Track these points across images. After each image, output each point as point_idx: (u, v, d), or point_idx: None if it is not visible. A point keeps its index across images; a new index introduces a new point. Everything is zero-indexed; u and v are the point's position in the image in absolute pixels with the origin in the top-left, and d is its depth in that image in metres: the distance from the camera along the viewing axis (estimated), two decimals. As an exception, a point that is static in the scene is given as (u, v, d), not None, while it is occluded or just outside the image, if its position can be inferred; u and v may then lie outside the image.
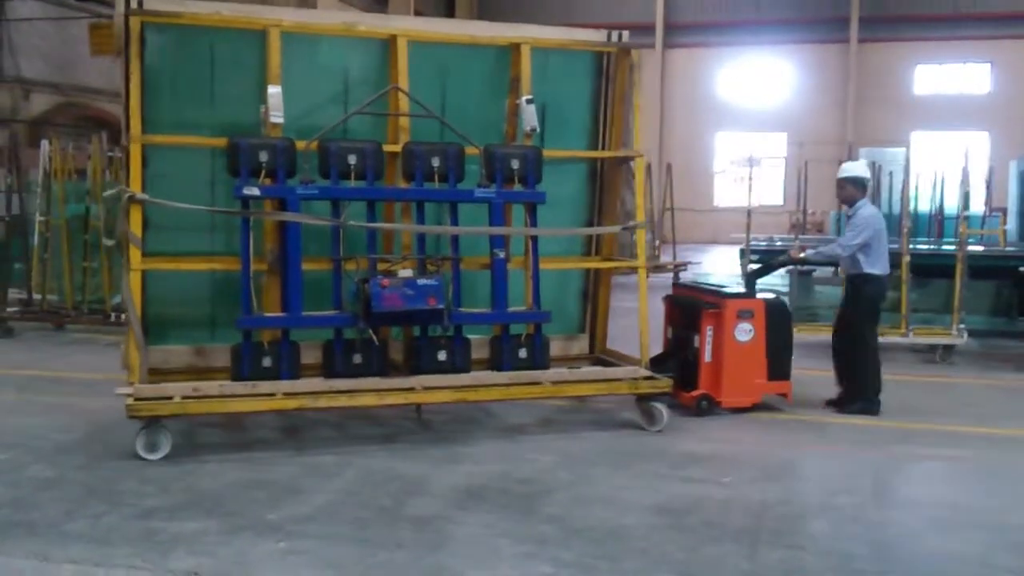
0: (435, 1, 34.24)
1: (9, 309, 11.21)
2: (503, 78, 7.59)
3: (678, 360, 7.96)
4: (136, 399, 6.04)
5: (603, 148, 8.04)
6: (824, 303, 11.87)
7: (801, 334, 9.34)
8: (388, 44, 7.19)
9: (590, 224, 8.18)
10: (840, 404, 7.90)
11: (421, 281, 6.60)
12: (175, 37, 6.84)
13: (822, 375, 8.32)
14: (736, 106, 34.75)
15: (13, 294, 11.75)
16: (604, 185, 8.13)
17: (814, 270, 12.22)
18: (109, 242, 6.69)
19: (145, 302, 6.92)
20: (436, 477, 5.82)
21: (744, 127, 34.63)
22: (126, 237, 6.36)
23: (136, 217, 6.35)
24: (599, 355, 8.27)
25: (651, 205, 19.92)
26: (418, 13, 30.15)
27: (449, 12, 35.07)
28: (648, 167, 20.03)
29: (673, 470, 6.12)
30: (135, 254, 6.34)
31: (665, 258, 20.42)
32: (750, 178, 9.66)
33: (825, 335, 8.77)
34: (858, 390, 7.90)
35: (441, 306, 6.61)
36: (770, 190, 33.04)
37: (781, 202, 31.54)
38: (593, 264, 8.10)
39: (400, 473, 5.88)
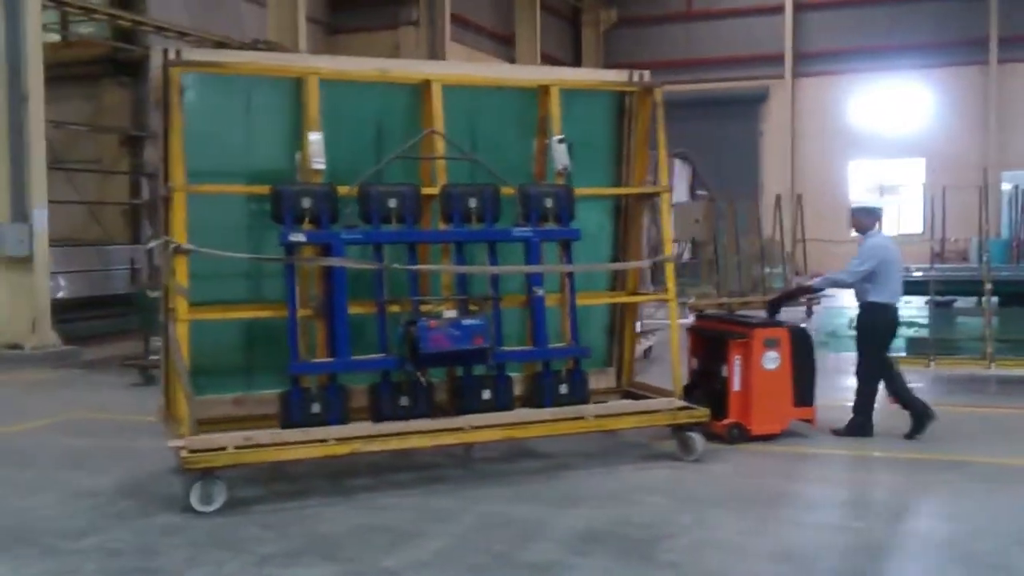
0: (561, 43, 34.19)
1: (151, 357, 10.94)
2: (529, 119, 7.69)
3: (705, 390, 8.07)
4: (190, 451, 6.00)
5: (625, 184, 8.16)
6: (966, 334, 11.35)
7: (940, 368, 9.43)
8: (418, 88, 7.27)
9: (615, 259, 8.28)
10: (846, 432, 8.03)
11: (466, 321, 6.65)
12: (210, 87, 6.85)
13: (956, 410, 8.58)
14: (870, 133, 32.92)
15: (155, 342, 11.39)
16: (627, 220, 8.24)
17: (955, 300, 11.96)
18: (154, 294, 6.62)
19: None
20: (553, 521, 5.78)
21: (879, 154, 32.85)
22: (170, 288, 6.34)
23: (182, 267, 6.33)
24: (626, 388, 8.35)
25: (779, 238, 19.83)
26: (545, 56, 30.72)
27: (576, 53, 35.25)
28: (778, 199, 19.97)
29: (795, 512, 6.05)
30: (182, 304, 6.31)
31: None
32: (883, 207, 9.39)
33: (968, 368, 8.98)
34: (855, 412, 8.05)
35: (487, 345, 6.66)
36: (909, 218, 31.07)
37: (920, 230, 28.78)
38: (629, 299, 8.19)
39: (516, 517, 5.87)
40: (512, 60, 30.13)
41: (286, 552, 5.24)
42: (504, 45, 30.27)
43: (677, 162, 22.48)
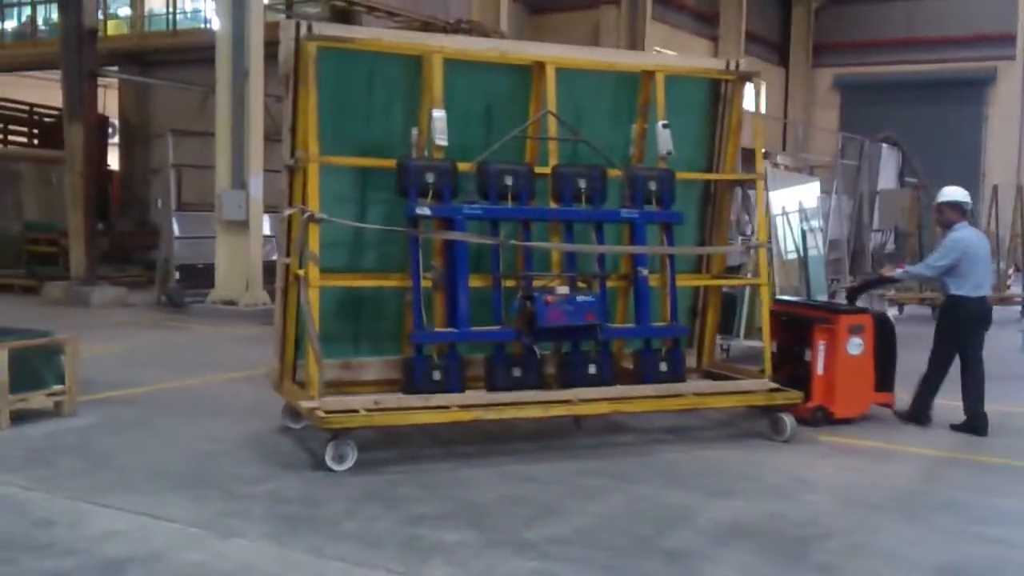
0: (769, 22, 33.55)
1: None
2: (625, 102, 7.91)
3: (786, 373, 8.32)
4: (326, 412, 6.25)
5: (716, 170, 8.39)
6: None
7: None
8: (527, 70, 7.48)
9: (701, 242, 8.52)
10: (911, 417, 8.22)
11: (580, 298, 6.91)
12: (334, 62, 7.04)
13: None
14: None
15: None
16: (716, 206, 8.48)
17: None
18: (286, 260, 6.85)
19: (297, 319, 7.14)
20: (703, 509, 5.71)
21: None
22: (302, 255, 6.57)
23: (315, 236, 6.56)
24: (707, 368, 8.61)
25: (997, 230, 18.93)
26: (749, 35, 30.35)
27: (784, 32, 34.73)
28: (995, 189, 19.42)
29: (971, 525, 5.58)
30: (314, 271, 6.54)
31: (1016, 288, 18.73)
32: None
33: None
34: (915, 399, 8.24)
35: (597, 322, 6.93)
36: None
37: None
38: (720, 282, 8.44)
39: (667, 502, 5.85)
40: (715, 39, 29.59)
41: (437, 514, 5.49)
42: (707, 24, 29.80)
43: (884, 147, 21.81)
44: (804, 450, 7.20)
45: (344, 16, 17.50)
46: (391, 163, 6.92)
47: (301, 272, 6.64)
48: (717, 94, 8.30)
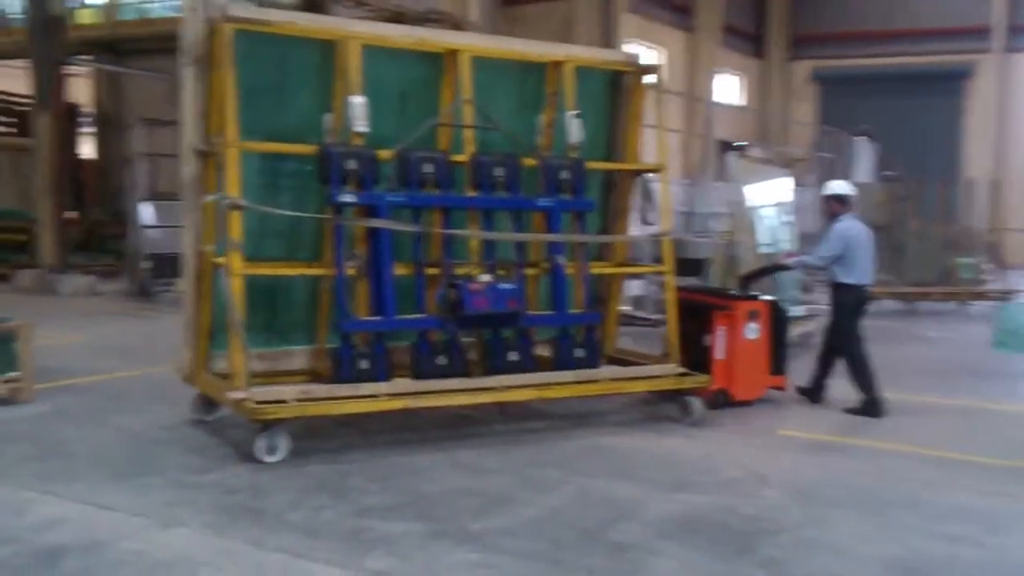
0: (744, 12, 32.73)
1: None
2: (533, 92, 8.01)
3: (687, 357, 8.60)
4: (256, 403, 6.09)
5: (616, 160, 8.59)
6: None
7: None
8: (438, 58, 7.47)
9: (604, 230, 8.70)
10: (808, 393, 8.72)
11: (502, 285, 6.98)
12: (246, 45, 6.85)
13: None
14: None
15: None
16: (618, 195, 8.68)
17: None
18: (198, 248, 6.62)
19: (212, 308, 6.93)
20: (654, 502, 5.65)
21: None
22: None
23: (236, 223, 6.36)
24: (610, 354, 8.79)
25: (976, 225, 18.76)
26: (727, 26, 29.92)
27: (759, 22, 34.08)
28: (970, 182, 19.27)
29: (924, 521, 5.48)
30: (237, 259, 6.36)
31: (995, 284, 17.98)
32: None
33: None
34: (862, 394, 8.63)
35: (519, 309, 7.00)
36: None
37: None
38: (623, 270, 8.66)
39: (617, 494, 5.80)
40: (691, 31, 29.28)
41: (385, 505, 5.45)
42: (683, 16, 29.50)
43: (860, 141, 21.68)
44: (761, 444, 7.22)
45: (314, 6, 17.30)
46: (310, 149, 6.79)
47: (221, 260, 6.43)
48: (619, 85, 8.50)
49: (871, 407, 8.39)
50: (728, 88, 33.41)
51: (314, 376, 7.34)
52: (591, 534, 5.10)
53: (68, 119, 16.69)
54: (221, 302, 6.92)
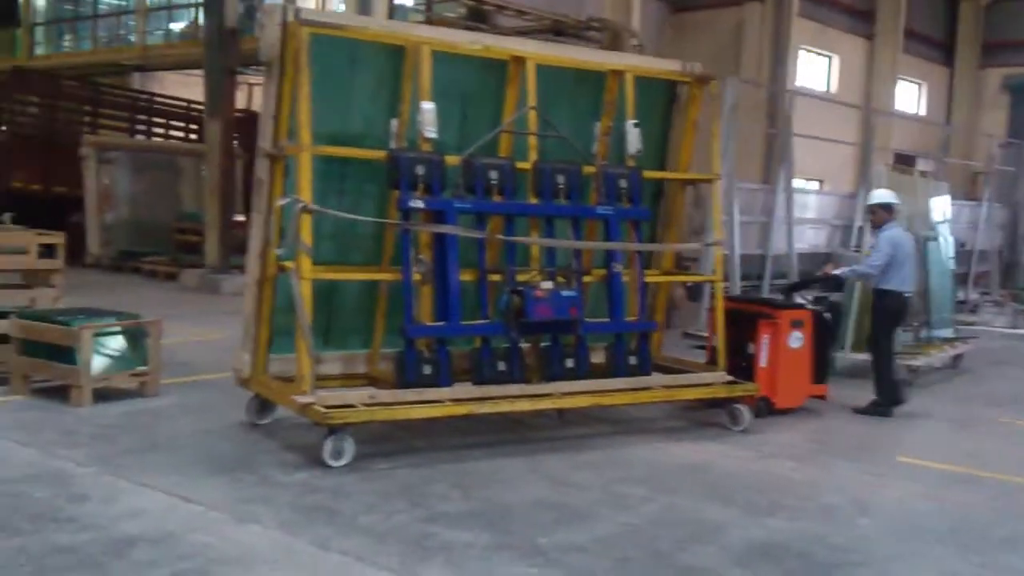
0: (932, 17, 31.11)
1: None
2: (589, 101, 8.05)
3: (730, 365, 8.68)
4: (325, 407, 6.14)
5: (670, 169, 8.64)
6: None
7: None
8: (501, 65, 7.51)
9: (653, 239, 8.76)
10: (866, 411, 8.83)
11: (565, 292, 7.03)
12: (317, 49, 6.87)
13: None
14: None
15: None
16: (671, 204, 8.73)
17: None
18: (279, 251, 6.65)
19: (273, 312, 6.98)
20: (738, 526, 5.50)
21: None
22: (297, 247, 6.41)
23: (307, 227, 6.41)
24: (655, 361, 8.85)
25: None
26: (909, 32, 28.58)
27: (950, 29, 32.32)
28: None
29: None
30: (307, 263, 6.40)
31: None
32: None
33: None
34: (877, 394, 8.86)
35: (580, 316, 7.07)
36: None
37: None
38: (673, 278, 8.73)
39: (703, 517, 5.66)
40: (870, 37, 28.14)
41: (457, 514, 5.48)
42: (861, 21, 27.98)
43: None
44: (874, 470, 6.94)
45: (479, 15, 17.67)
46: (380, 154, 6.83)
47: (290, 264, 6.48)
48: (673, 95, 8.55)
49: (881, 408, 8.63)
50: (909, 97, 31.92)
51: (370, 380, 7.39)
52: (662, 556, 5.02)
53: (246, 126, 16.84)
54: (281, 305, 6.99)
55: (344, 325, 7.50)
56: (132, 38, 22.09)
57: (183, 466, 6.14)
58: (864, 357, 9.70)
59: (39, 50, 25.20)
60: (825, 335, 8.85)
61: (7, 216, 10.32)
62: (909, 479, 6.74)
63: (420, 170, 6.75)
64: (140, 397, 7.86)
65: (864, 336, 9.91)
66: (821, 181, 24.44)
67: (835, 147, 18.66)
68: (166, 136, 23.83)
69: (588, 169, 7.58)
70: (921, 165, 18.32)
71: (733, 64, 23.50)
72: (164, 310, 9.04)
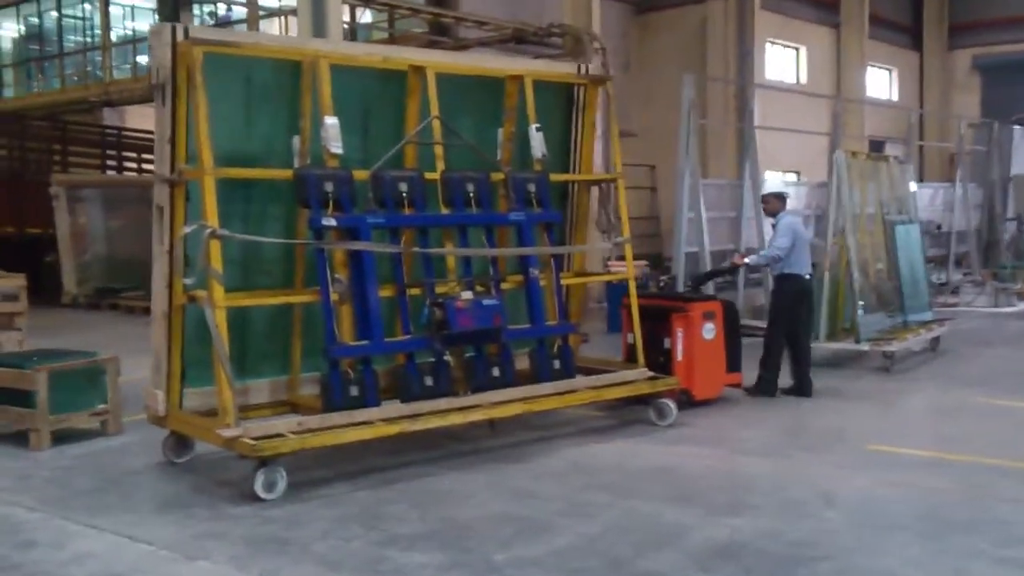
0: (896, 2, 30.41)
1: None
2: (490, 107, 7.98)
3: (647, 360, 8.73)
4: (254, 439, 5.89)
5: (573, 171, 8.65)
6: None
7: None
8: (401, 75, 7.38)
9: (563, 241, 8.74)
10: (796, 390, 9.03)
11: (486, 301, 6.93)
12: (211, 68, 6.61)
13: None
14: None
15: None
16: (577, 205, 8.74)
17: None
18: (188, 281, 6.33)
19: (184, 344, 6.68)
20: (699, 528, 5.38)
21: None
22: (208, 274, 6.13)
23: (217, 253, 6.14)
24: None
25: None
26: (876, 18, 28.06)
27: (916, 12, 32.08)
28: None
29: (996, 547, 5.06)
30: (219, 290, 6.13)
31: None
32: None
33: None
34: (759, 376, 9.02)
35: (502, 324, 6.98)
36: None
37: None
38: (594, 278, 8.75)
39: (664, 520, 5.52)
40: (836, 26, 27.84)
41: (415, 535, 5.33)
42: (827, 11, 27.78)
43: (1018, 130, 20.75)
44: (842, 461, 6.83)
45: (441, 29, 17.39)
46: (285, 174, 6.62)
47: (201, 293, 6.20)
48: (571, 97, 8.57)
49: (765, 384, 8.90)
50: (881, 83, 31.90)
51: (292, 406, 7.14)
52: (620, 564, 4.90)
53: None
54: (192, 337, 6.69)
55: (258, 352, 7.22)
56: (99, 73, 21.39)
57: (137, 505, 6.02)
58: (840, 345, 9.89)
59: (7, 92, 24.36)
60: (735, 325, 8.98)
61: None
62: (877, 467, 6.66)
63: (329, 187, 6.56)
64: (101, 436, 7.64)
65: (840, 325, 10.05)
66: (798, 172, 24.55)
67: (810, 138, 18.69)
68: (139, 170, 23.07)
69: (495, 176, 7.50)
70: (889, 150, 18.34)
71: (700, 61, 23.58)
72: (137, 344, 8.71)
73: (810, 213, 15.05)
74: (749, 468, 6.77)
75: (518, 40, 16.38)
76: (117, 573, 4.83)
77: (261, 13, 18.31)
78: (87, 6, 22.59)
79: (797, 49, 28.19)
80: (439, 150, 7.31)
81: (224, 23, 20.95)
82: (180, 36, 6.32)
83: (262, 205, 7.05)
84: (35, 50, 24.72)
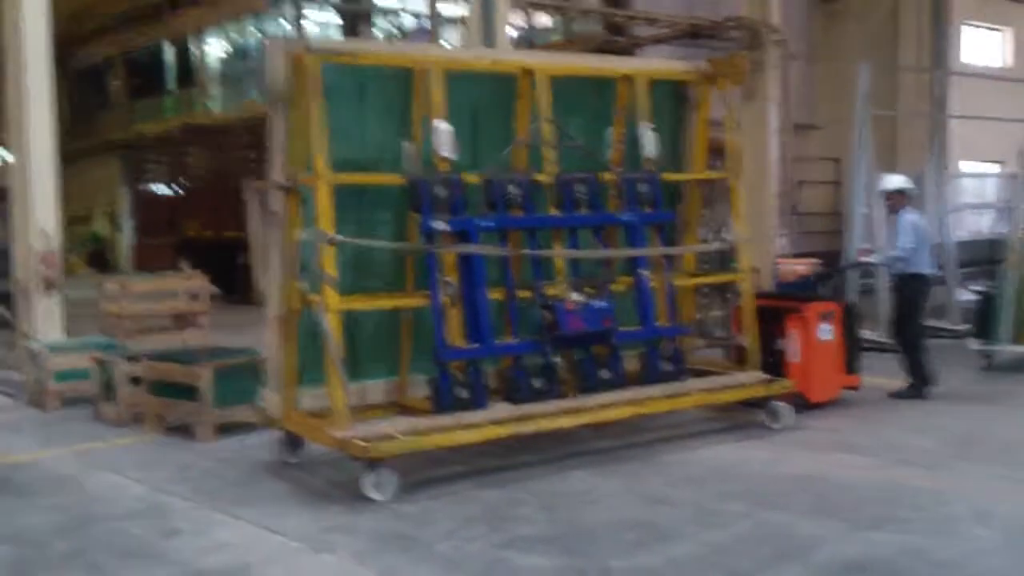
0: None
1: None
2: (600, 106, 7.93)
3: (761, 362, 8.56)
4: (364, 440, 6.01)
5: (683, 170, 8.53)
6: None
7: None
8: (510, 78, 7.39)
9: (672, 242, 8.62)
10: (912, 391, 8.75)
11: (596, 304, 6.91)
12: (326, 77, 6.74)
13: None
14: None
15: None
16: (687, 205, 8.61)
17: None
18: (303, 285, 6.52)
19: (300, 347, 6.84)
20: (833, 543, 5.12)
21: None
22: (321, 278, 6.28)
23: (330, 258, 6.28)
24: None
25: None
26: None
27: None
28: None
29: None
30: (333, 295, 6.27)
31: None
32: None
33: None
34: (911, 376, 8.77)
35: (612, 326, 6.95)
36: None
37: None
38: (721, 278, 8.64)
39: (796, 532, 5.31)
40: None
41: (537, 537, 5.35)
42: None
43: None
44: (1013, 476, 6.36)
45: (616, 28, 17.59)
46: (397, 179, 6.73)
47: (316, 297, 6.35)
48: (683, 95, 8.44)
49: (916, 390, 8.60)
50: None
51: (401, 408, 7.25)
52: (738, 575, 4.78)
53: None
54: (306, 340, 6.84)
55: (367, 354, 7.34)
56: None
57: (281, 497, 6.25)
58: None
59: (213, 105, 25.99)
60: (854, 325, 8.73)
61: (185, 263, 11.03)
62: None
63: (440, 191, 6.63)
64: (265, 429, 7.59)
65: None
66: (1002, 163, 22.78)
67: (1016, 126, 17.11)
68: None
69: (606, 176, 7.46)
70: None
71: (890, 49, 22.44)
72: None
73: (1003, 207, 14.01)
74: (905, 480, 6.28)
75: (693, 36, 15.95)
76: (247, 563, 5.05)
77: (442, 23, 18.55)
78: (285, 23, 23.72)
79: (1001, 31, 26.34)
80: (549, 152, 7.29)
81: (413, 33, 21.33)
82: (298, 47, 6.47)
83: (373, 210, 7.15)
84: (240, 66, 26.04)
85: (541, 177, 7.19)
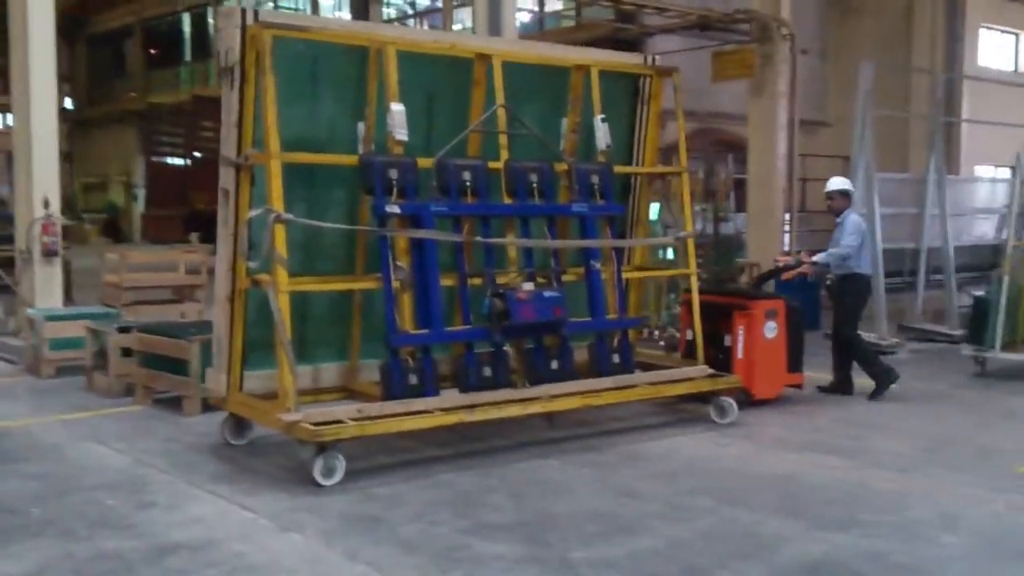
0: None
1: None
2: (557, 97, 7.89)
3: (707, 358, 8.59)
4: (313, 424, 5.88)
5: (637, 164, 8.54)
6: None
7: None
8: (467, 63, 7.31)
9: (623, 234, 8.63)
10: (830, 390, 8.88)
11: (547, 293, 6.87)
12: (279, 52, 6.59)
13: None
14: None
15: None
16: (639, 198, 8.62)
17: None
18: (252, 264, 6.34)
19: (245, 327, 6.68)
20: (797, 542, 5.04)
21: None
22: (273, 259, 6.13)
23: (281, 237, 6.14)
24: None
25: None
26: None
27: None
28: None
29: None
30: (283, 275, 6.13)
31: None
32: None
33: None
34: (873, 379, 8.82)
35: (563, 317, 6.91)
36: None
37: None
38: (648, 273, 8.60)
39: (761, 530, 5.23)
40: None
41: (502, 525, 5.29)
42: None
43: None
44: (986, 483, 6.16)
45: (626, 16, 17.47)
46: (351, 159, 6.59)
47: (265, 278, 6.20)
48: (636, 88, 8.44)
49: (884, 379, 8.68)
50: None
51: (348, 393, 7.14)
52: (695, 573, 4.67)
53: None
54: (253, 320, 6.70)
55: (316, 337, 7.21)
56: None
57: (259, 473, 6.23)
58: (1020, 356, 9.34)
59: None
60: (798, 324, 8.80)
61: (194, 236, 11.09)
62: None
63: (393, 174, 6.53)
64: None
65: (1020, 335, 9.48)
66: (1013, 168, 23.52)
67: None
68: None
69: (559, 166, 7.42)
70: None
71: (904, 47, 22.36)
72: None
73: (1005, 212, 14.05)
74: (877, 483, 6.16)
75: (702, 27, 15.84)
76: (213, 539, 5.03)
77: (455, 3, 18.13)
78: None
79: (1016, 35, 26.42)
80: (503, 139, 7.23)
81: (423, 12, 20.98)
82: (250, 19, 6.32)
83: (325, 190, 7.04)
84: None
85: (495, 164, 7.12)
